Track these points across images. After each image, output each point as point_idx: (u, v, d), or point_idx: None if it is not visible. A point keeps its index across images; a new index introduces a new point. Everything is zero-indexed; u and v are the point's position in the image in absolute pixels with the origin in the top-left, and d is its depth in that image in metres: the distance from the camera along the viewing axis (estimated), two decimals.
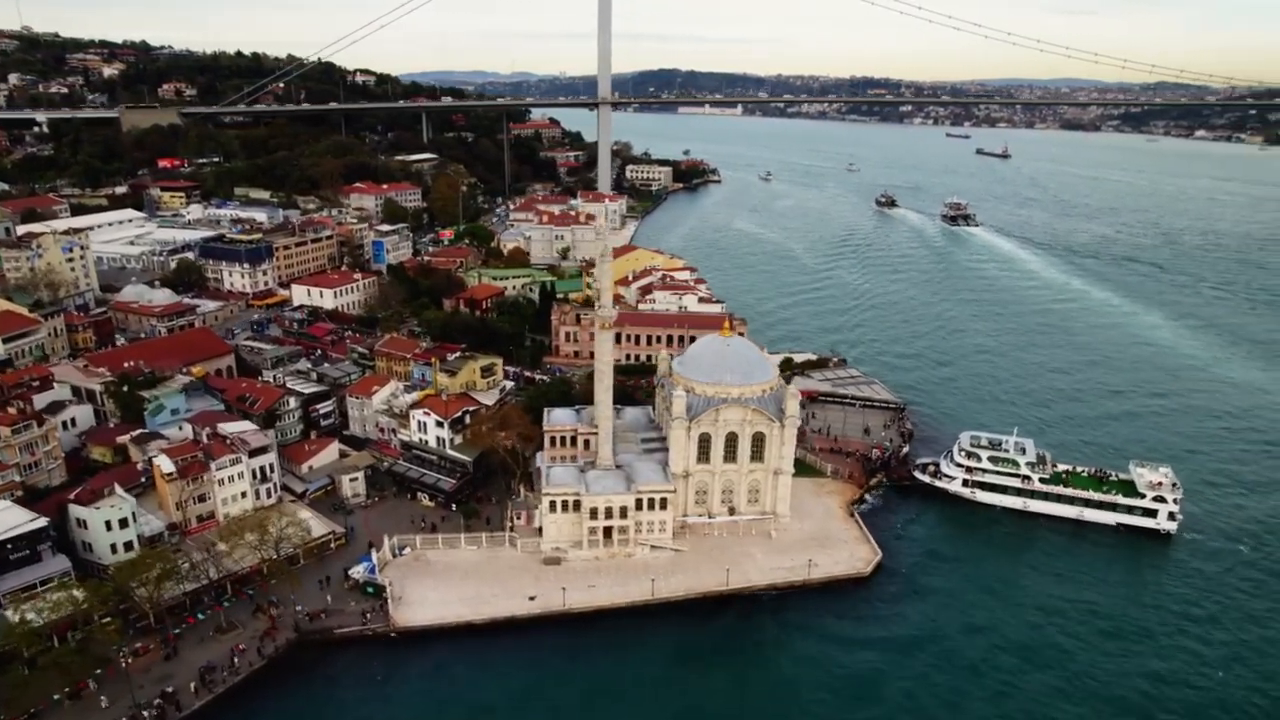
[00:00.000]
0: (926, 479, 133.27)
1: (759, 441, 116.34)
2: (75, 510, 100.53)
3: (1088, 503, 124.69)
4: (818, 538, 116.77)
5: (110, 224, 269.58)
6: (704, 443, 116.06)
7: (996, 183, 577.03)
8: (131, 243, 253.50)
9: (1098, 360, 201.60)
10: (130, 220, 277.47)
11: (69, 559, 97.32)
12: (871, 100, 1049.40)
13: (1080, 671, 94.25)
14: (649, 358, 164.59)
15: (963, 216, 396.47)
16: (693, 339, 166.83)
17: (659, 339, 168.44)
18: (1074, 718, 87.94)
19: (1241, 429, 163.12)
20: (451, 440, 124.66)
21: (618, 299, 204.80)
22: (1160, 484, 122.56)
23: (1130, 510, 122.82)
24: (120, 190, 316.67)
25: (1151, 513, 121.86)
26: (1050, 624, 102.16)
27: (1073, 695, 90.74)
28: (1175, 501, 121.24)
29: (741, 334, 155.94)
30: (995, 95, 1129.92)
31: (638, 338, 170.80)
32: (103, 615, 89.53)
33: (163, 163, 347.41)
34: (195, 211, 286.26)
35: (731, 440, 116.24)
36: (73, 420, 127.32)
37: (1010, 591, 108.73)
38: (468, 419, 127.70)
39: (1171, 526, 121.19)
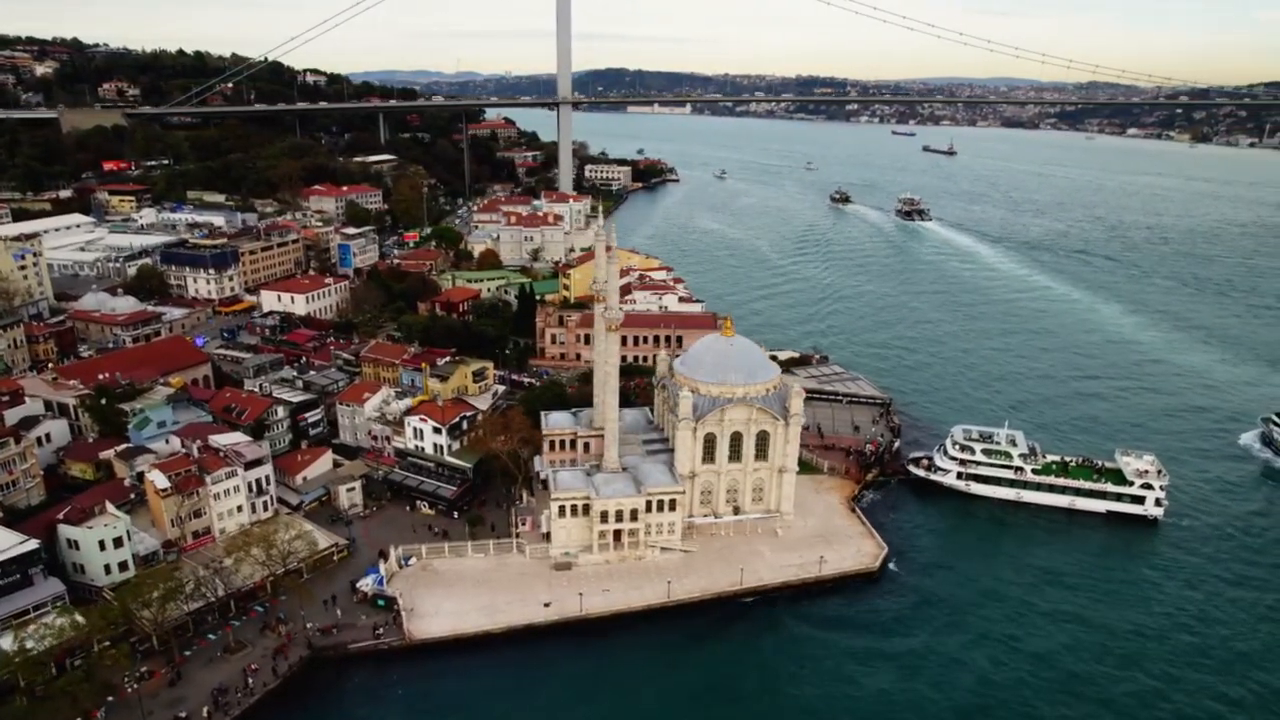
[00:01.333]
0: (921, 473, 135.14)
1: (763, 440, 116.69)
2: (66, 531, 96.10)
3: (1078, 492, 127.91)
4: (823, 534, 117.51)
5: (57, 229, 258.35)
6: (709, 443, 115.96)
7: (946, 179, 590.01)
8: (82, 248, 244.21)
9: (1064, 351, 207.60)
10: (79, 225, 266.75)
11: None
12: (819, 99, 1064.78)
13: (1087, 653, 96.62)
14: (637, 358, 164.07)
15: (917, 212, 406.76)
16: (679, 339, 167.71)
17: (646, 339, 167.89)
18: (1077, 698, 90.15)
19: (1203, 411, 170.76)
20: (450, 446, 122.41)
21: (596, 299, 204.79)
22: (1146, 471, 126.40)
23: (1119, 498, 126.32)
24: (64, 194, 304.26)
25: (1139, 499, 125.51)
26: (1055, 612, 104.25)
27: (1081, 678, 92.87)
28: (1161, 488, 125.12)
29: None
30: (937, 94, 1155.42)
31: (624, 338, 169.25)
32: (102, 639, 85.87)
33: (108, 165, 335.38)
34: (148, 216, 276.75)
35: (736, 440, 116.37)
36: (47, 436, 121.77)
37: (1013, 582, 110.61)
38: (465, 424, 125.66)
39: (1158, 512, 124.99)
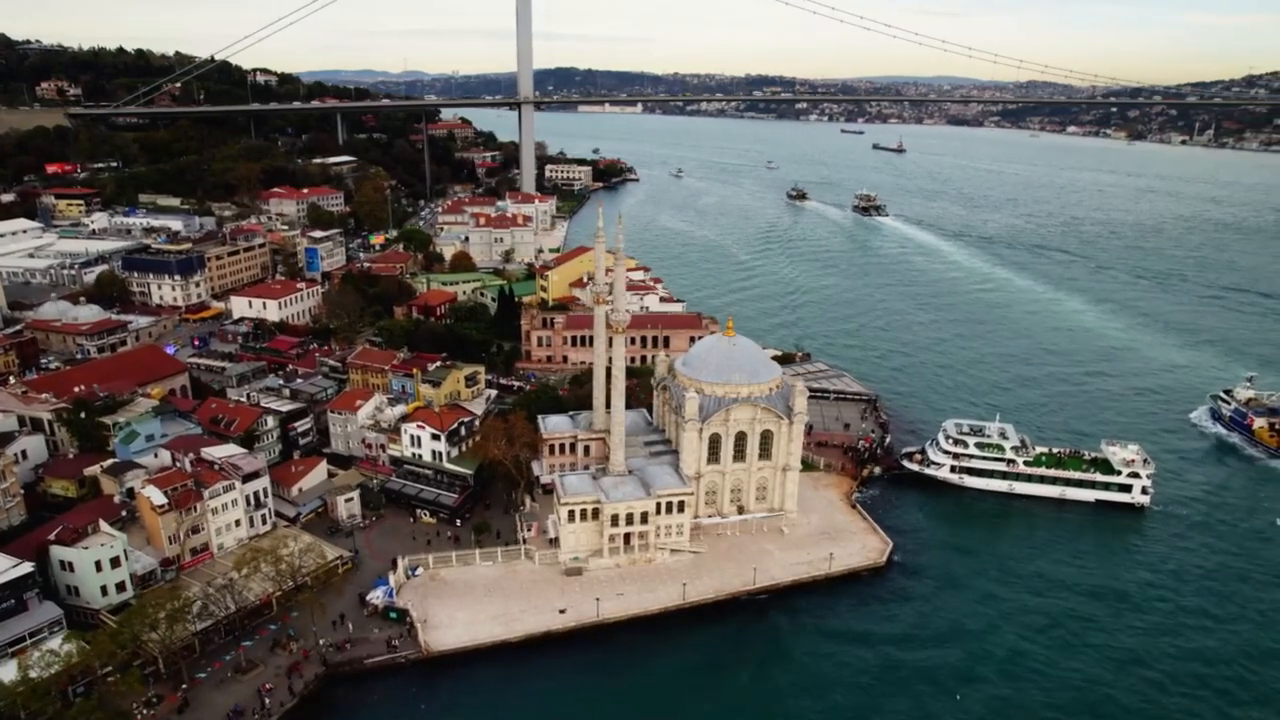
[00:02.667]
0: (915, 467, 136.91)
1: (766, 439, 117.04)
2: (59, 552, 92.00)
3: (1068, 482, 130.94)
4: (828, 531, 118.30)
5: (2, 235, 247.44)
6: (714, 443, 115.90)
7: (898, 176, 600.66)
8: (31, 255, 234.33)
9: (1034, 343, 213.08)
10: (25, 231, 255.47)
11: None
12: (769, 99, 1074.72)
13: (1085, 637, 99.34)
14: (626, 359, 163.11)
15: (874, 208, 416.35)
16: (666, 340, 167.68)
17: (634, 340, 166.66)
18: (1084, 679, 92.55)
19: (1158, 393, 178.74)
20: (449, 453, 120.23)
21: (573, 301, 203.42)
22: (1133, 461, 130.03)
23: (1107, 487, 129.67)
24: (6, 198, 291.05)
25: (1127, 488, 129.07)
26: (1055, 597, 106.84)
27: (1081, 659, 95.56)
28: (1147, 476, 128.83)
29: (714, 332, 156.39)
30: (884, 92, 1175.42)
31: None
32: (103, 664, 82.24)
33: (51, 168, 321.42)
34: (100, 220, 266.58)
35: (740, 439, 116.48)
36: (23, 453, 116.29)
37: (1014, 571, 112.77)
38: (463, 430, 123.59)
39: (1145, 500, 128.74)
